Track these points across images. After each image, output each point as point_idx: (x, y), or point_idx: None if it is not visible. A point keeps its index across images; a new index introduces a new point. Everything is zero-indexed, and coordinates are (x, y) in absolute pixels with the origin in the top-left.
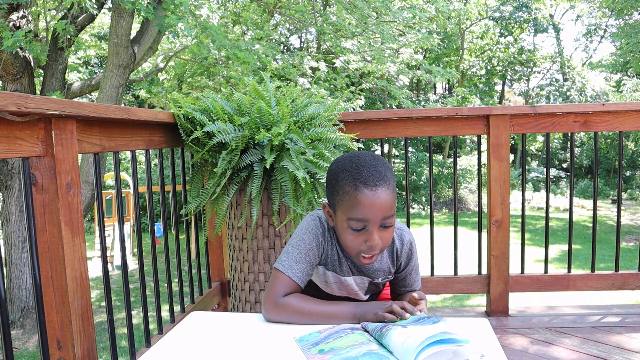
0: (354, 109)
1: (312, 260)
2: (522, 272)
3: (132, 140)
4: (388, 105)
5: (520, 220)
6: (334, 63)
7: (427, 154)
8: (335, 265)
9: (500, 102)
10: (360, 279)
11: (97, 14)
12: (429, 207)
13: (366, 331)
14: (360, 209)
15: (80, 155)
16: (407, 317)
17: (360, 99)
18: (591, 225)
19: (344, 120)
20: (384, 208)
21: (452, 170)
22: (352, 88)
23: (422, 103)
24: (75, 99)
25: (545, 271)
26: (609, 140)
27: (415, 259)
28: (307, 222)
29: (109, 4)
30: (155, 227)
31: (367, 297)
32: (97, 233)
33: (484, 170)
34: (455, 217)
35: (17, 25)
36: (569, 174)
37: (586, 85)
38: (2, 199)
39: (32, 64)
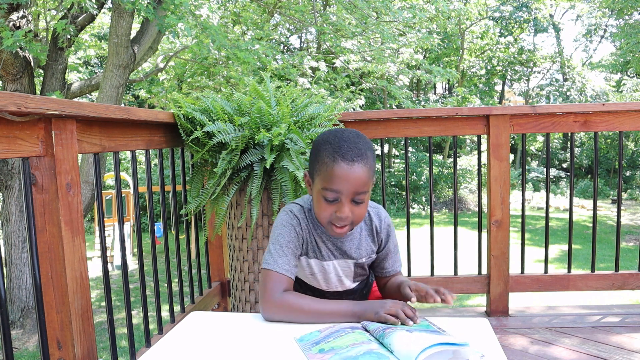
0: (354, 109)
1: (294, 251)
2: (522, 272)
3: (132, 140)
4: (388, 105)
5: (520, 220)
6: (334, 63)
7: (427, 154)
8: (315, 251)
9: (500, 102)
10: (345, 262)
11: (97, 14)
12: (429, 207)
13: (367, 330)
14: (334, 180)
15: (80, 155)
16: (410, 324)
17: (360, 99)
18: (591, 225)
19: (344, 120)
20: (358, 183)
21: (452, 170)
22: (352, 88)
23: (422, 103)
24: (75, 99)
25: (545, 271)
26: (609, 140)
27: (394, 237)
28: (281, 217)
29: (109, 4)
30: (155, 227)
31: (356, 284)
32: (97, 233)
33: (484, 170)
34: (455, 217)
35: (17, 25)
36: (569, 174)
37: (586, 85)
38: (2, 199)
39: (32, 64)
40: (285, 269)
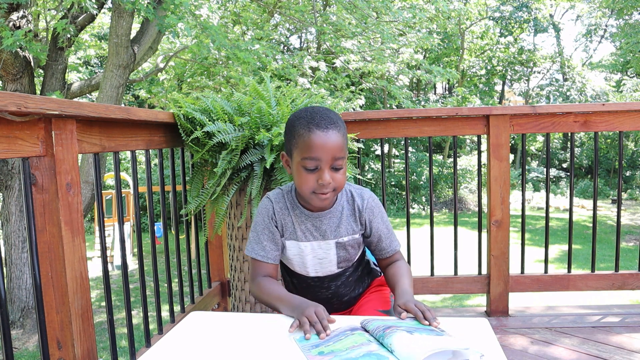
0: (354, 109)
1: (272, 236)
2: (522, 272)
3: (132, 140)
4: (388, 105)
5: (520, 220)
6: (334, 63)
7: (427, 154)
8: (291, 233)
9: (500, 102)
10: (325, 243)
11: (97, 14)
12: (429, 207)
13: (366, 331)
14: (312, 148)
15: (80, 155)
16: (322, 336)
17: (360, 99)
18: (591, 225)
19: (344, 120)
20: (334, 148)
21: (452, 170)
22: (352, 88)
23: (422, 103)
24: (75, 99)
25: (545, 271)
26: (609, 140)
27: (384, 217)
28: (258, 207)
29: (109, 4)
30: (155, 227)
31: (341, 269)
32: (97, 233)
33: (484, 170)
34: (455, 217)
35: (17, 25)
36: (569, 174)
37: (586, 85)
38: (2, 199)
39: (32, 64)
40: (261, 254)
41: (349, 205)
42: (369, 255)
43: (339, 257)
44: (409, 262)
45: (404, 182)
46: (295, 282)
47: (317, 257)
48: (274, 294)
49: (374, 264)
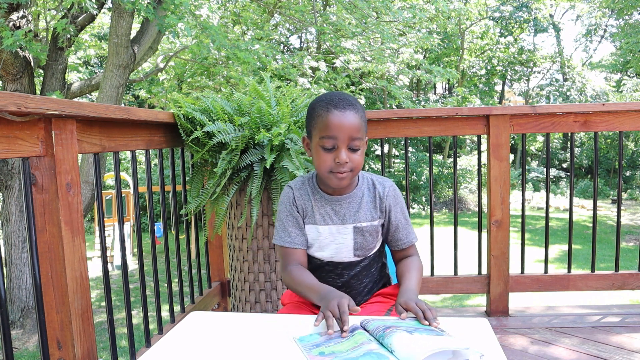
0: None
1: (296, 222)
2: (522, 272)
3: (132, 140)
4: (388, 105)
5: (520, 220)
6: (334, 63)
7: (427, 154)
8: (310, 217)
9: (500, 102)
10: (344, 227)
11: (97, 14)
12: (429, 207)
13: (366, 330)
14: (330, 127)
15: (80, 155)
16: (330, 332)
17: (361, 99)
18: (591, 225)
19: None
20: (352, 128)
21: (452, 170)
22: (352, 88)
23: (422, 103)
24: (75, 99)
25: (545, 271)
26: (609, 140)
27: (403, 208)
28: (280, 197)
29: (109, 4)
30: (155, 227)
31: (357, 258)
32: (97, 233)
33: (484, 170)
34: (455, 217)
35: (17, 25)
36: (569, 174)
37: (586, 85)
38: (2, 199)
39: (32, 64)
40: (287, 241)
41: (370, 192)
42: (389, 262)
43: (355, 242)
44: None
45: (404, 182)
46: (309, 266)
47: (334, 241)
48: (304, 282)
49: (388, 270)
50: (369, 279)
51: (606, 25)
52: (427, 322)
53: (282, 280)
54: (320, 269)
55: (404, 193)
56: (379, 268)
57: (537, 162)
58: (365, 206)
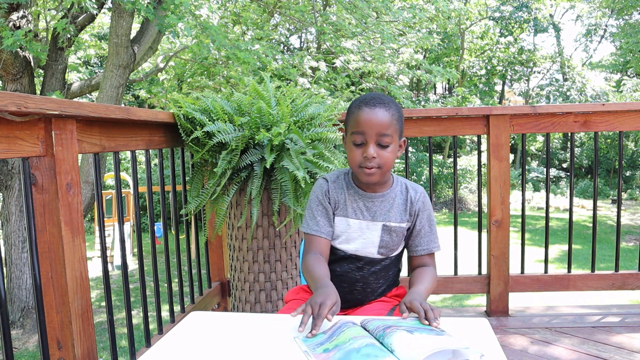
0: None
1: (325, 212)
2: (522, 272)
3: (132, 140)
4: None
5: (520, 220)
6: (334, 63)
7: (427, 154)
8: (342, 209)
9: (500, 102)
10: (373, 224)
11: (97, 14)
12: None
13: (366, 330)
14: (359, 123)
15: (80, 155)
16: (314, 331)
17: None
18: (591, 225)
19: (343, 120)
20: (380, 124)
21: (452, 170)
22: (352, 88)
23: (422, 103)
24: (75, 99)
25: (545, 271)
26: (609, 140)
27: (431, 215)
28: (313, 187)
29: (109, 4)
30: (155, 227)
31: (380, 257)
32: (97, 233)
33: (484, 170)
34: (455, 217)
35: (17, 25)
36: (569, 174)
37: (586, 85)
38: (2, 199)
39: (32, 64)
40: (314, 229)
41: (402, 195)
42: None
43: (382, 240)
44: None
45: None
46: (331, 257)
47: (362, 236)
48: (314, 272)
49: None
50: (385, 281)
51: (606, 25)
52: (427, 322)
53: (300, 266)
54: (342, 260)
55: None
56: (395, 273)
57: (537, 162)
58: (396, 207)
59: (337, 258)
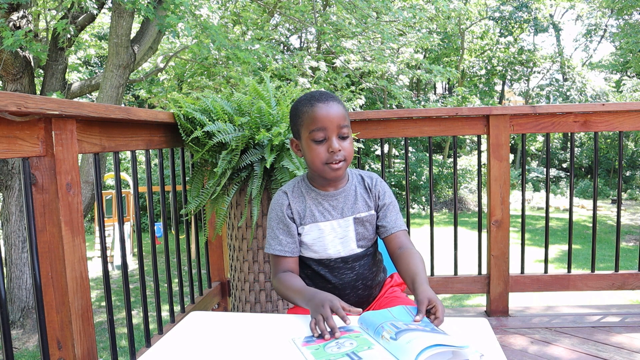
0: (354, 109)
1: (287, 229)
2: (522, 272)
3: (132, 140)
4: (388, 105)
5: (520, 220)
6: (334, 63)
7: (427, 154)
8: (310, 216)
9: (500, 102)
10: (344, 221)
11: (97, 14)
12: (429, 207)
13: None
14: (318, 120)
15: (80, 155)
16: (326, 337)
17: (361, 99)
18: (591, 225)
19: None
20: (338, 117)
21: (452, 170)
22: (352, 88)
23: (422, 103)
24: (75, 99)
25: (545, 271)
26: (609, 140)
27: (392, 197)
28: (271, 204)
29: (109, 4)
30: (155, 227)
31: (361, 250)
32: (97, 233)
33: (484, 170)
34: (455, 217)
35: (17, 25)
36: (569, 174)
37: (586, 85)
38: (2, 199)
39: (32, 64)
40: (277, 249)
41: (361, 185)
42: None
43: (357, 233)
44: None
45: (404, 182)
46: (320, 270)
47: (337, 236)
48: (292, 287)
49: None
50: (377, 267)
51: (606, 25)
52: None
53: (273, 288)
54: (333, 268)
55: (404, 193)
56: (380, 259)
57: (537, 162)
58: (360, 197)
59: (327, 268)
